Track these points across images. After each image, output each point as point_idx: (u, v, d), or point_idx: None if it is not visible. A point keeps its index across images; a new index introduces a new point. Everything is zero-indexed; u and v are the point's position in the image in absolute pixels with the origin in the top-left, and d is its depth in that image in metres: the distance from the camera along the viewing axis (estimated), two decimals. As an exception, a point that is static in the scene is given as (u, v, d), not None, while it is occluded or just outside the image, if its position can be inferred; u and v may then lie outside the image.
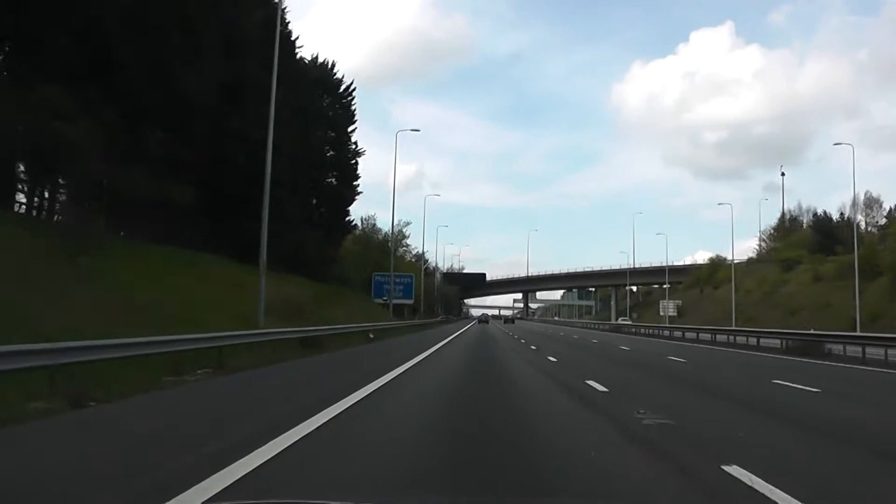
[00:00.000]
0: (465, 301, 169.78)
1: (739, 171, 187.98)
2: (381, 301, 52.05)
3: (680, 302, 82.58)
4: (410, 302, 56.71)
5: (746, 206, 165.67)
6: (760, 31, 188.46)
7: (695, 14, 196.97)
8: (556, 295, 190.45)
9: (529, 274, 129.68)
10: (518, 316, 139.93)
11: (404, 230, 74.66)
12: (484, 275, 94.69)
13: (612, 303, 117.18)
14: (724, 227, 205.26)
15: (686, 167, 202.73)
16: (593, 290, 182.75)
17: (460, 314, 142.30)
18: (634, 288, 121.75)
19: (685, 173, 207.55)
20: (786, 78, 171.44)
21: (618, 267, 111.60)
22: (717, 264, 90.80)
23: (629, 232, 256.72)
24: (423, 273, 71.46)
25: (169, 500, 4.19)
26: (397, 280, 52.57)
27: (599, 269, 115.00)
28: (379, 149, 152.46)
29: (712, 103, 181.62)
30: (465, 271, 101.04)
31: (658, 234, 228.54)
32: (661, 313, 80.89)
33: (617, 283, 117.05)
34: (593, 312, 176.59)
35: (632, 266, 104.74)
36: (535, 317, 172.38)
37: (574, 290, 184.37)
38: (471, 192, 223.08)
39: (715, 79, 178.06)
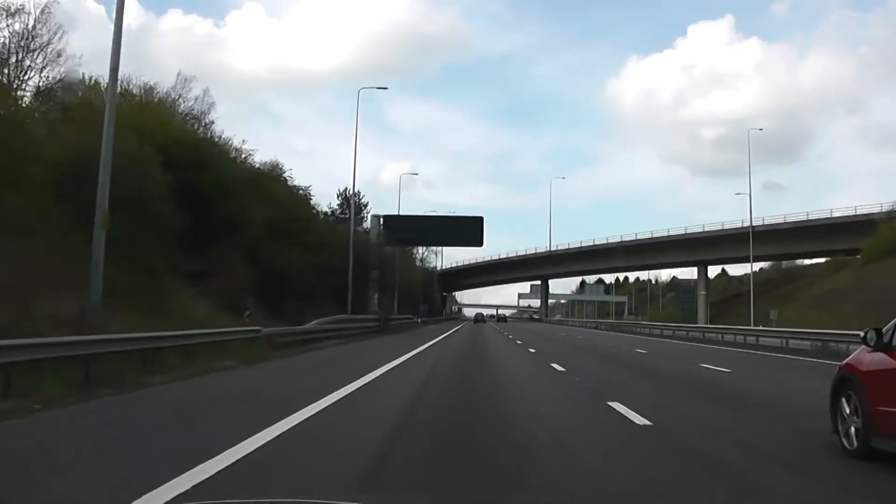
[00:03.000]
0: (456, 295, 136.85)
1: (739, 169, 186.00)
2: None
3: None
4: None
5: (745, 206, 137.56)
6: (760, 25, 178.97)
7: (693, 9, 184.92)
8: (576, 288, 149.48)
9: (552, 248, 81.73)
10: (534, 315, 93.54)
11: None
12: (480, 220, 44.06)
13: (703, 292, 68.94)
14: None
15: (683, 164, 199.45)
16: (605, 283, 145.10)
17: (443, 311, 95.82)
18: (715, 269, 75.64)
19: (682, 171, 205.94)
20: (786, 73, 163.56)
21: (718, 227, 64.03)
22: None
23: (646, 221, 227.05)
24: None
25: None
26: None
27: (683, 231, 66.99)
28: (372, 148, 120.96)
29: (710, 100, 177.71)
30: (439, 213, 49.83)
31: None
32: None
33: (706, 259, 69.25)
34: (625, 312, 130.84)
35: (754, 222, 56.88)
36: (555, 317, 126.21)
37: (598, 279, 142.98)
38: (467, 193, 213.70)
39: (713, 74, 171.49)
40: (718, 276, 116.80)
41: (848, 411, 5.91)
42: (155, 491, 4.11)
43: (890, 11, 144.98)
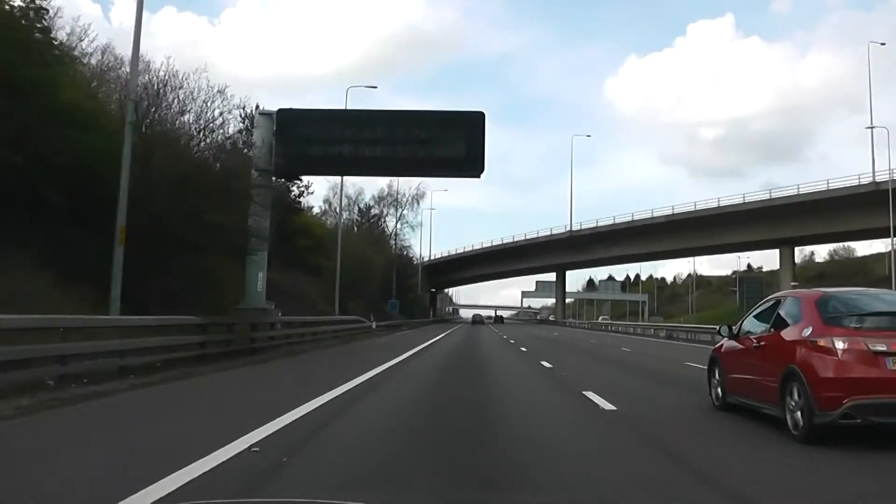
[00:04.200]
0: (451, 295, 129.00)
1: (738, 169, 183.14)
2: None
3: None
4: None
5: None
6: (761, 24, 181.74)
7: (693, 8, 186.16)
8: (582, 286, 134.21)
9: (573, 227, 62.13)
10: (550, 317, 76.28)
11: None
12: (480, 118, 24.66)
13: (793, 283, 49.26)
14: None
15: (683, 165, 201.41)
16: (615, 279, 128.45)
17: (431, 312, 77.58)
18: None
19: (682, 171, 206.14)
20: (787, 72, 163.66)
21: (822, 187, 45.09)
22: None
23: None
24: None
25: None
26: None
27: (766, 196, 47.80)
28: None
29: (709, 100, 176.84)
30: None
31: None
32: None
33: (795, 237, 50.05)
34: (646, 313, 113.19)
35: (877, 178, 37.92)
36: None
37: (608, 276, 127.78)
38: (465, 193, 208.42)
39: (713, 73, 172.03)
40: (746, 272, 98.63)
41: (715, 380, 8.97)
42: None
43: (891, 10, 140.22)
